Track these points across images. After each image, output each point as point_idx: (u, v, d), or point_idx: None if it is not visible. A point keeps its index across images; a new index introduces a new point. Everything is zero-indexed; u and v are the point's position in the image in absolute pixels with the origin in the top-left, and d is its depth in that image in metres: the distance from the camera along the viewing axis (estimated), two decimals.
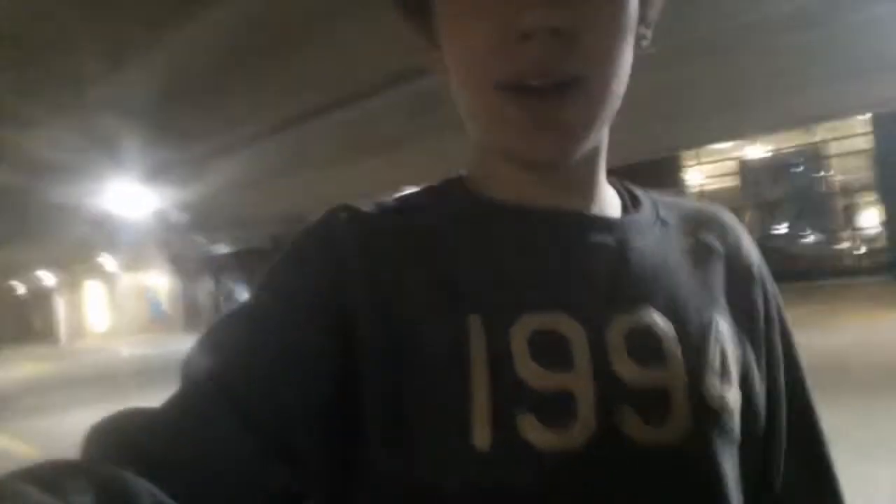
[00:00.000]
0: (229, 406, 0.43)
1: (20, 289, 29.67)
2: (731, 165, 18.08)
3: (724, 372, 0.52)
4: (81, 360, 19.36)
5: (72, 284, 28.81)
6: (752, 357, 0.56)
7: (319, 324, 0.48)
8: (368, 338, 0.48)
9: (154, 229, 12.55)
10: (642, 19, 0.53)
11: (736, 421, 0.52)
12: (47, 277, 25.39)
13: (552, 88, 0.47)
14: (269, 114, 7.18)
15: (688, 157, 17.73)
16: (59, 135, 6.43)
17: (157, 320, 26.10)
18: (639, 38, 0.53)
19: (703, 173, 18.50)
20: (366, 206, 0.56)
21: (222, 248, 20.91)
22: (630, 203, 0.60)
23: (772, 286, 0.61)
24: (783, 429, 0.57)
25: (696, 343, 0.52)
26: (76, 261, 21.78)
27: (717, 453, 0.50)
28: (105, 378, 13.31)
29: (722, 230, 0.61)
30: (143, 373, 12.49)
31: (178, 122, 6.82)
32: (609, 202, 0.58)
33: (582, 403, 0.47)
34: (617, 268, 0.53)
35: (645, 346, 0.50)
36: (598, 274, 0.52)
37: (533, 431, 0.46)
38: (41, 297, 30.80)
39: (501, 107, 0.49)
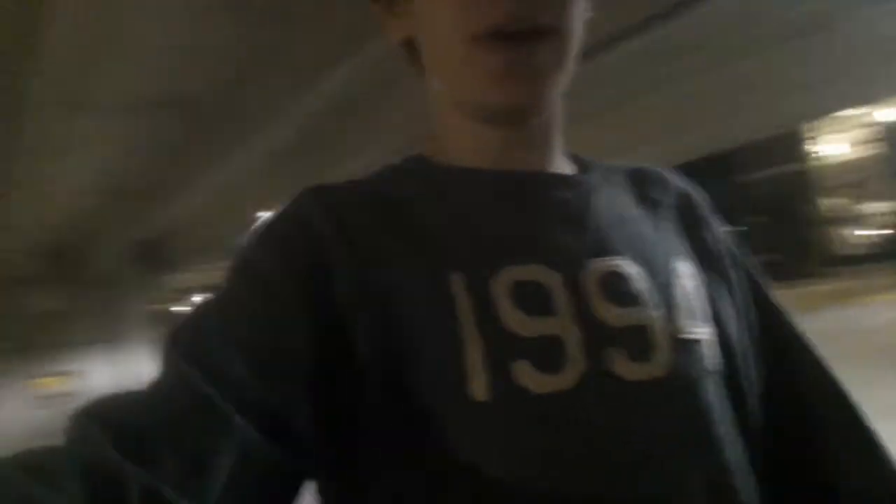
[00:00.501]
0: (217, 389, 0.43)
1: None
2: (874, 132, 16.98)
3: (693, 309, 0.55)
4: None
5: None
6: (718, 294, 0.59)
7: (302, 298, 0.49)
8: (355, 307, 0.49)
9: None
10: None
11: (714, 353, 0.55)
12: None
13: (525, 36, 0.50)
14: None
15: (816, 128, 16.87)
16: None
17: None
18: None
19: (839, 141, 17.49)
20: (337, 184, 0.58)
21: None
22: (580, 168, 0.63)
23: (717, 227, 0.65)
24: (753, 361, 0.60)
25: (663, 284, 0.55)
26: None
27: (701, 384, 0.53)
28: None
29: (664, 183, 0.65)
30: None
31: None
32: (564, 164, 0.61)
33: (570, 345, 0.49)
34: (582, 220, 0.56)
35: (618, 288, 0.53)
36: (565, 226, 0.55)
37: (528, 377, 0.48)
38: None
39: (477, 55, 0.51)
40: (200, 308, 0.51)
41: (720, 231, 0.65)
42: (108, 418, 0.41)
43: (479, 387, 0.47)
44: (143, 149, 6.63)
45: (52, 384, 13.91)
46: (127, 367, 12.16)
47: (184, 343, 0.47)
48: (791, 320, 0.65)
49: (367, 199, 0.56)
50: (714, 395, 0.53)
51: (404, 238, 0.53)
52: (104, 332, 12.85)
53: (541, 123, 0.58)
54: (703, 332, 0.55)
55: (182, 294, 15.48)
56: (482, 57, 0.51)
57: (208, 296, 0.52)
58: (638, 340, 0.51)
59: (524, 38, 0.50)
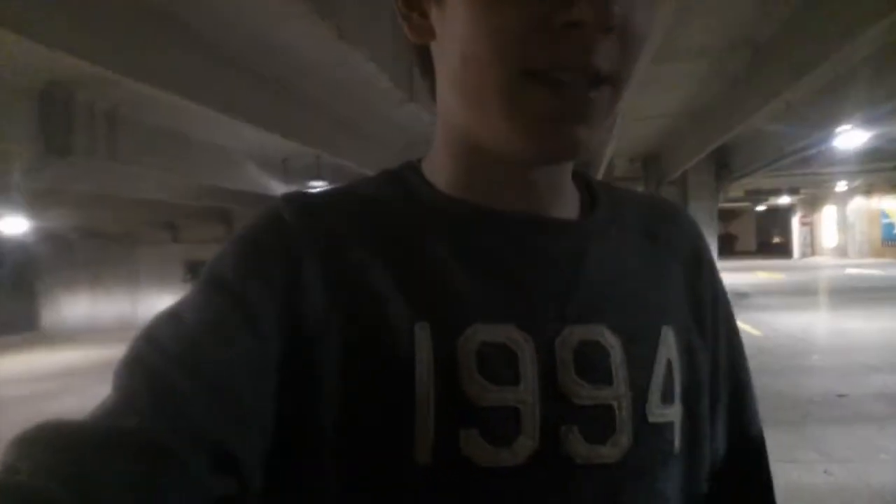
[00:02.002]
0: (169, 422, 0.39)
1: (761, 207, 33.82)
2: None
3: (668, 386, 0.51)
4: (808, 272, 21.18)
5: (808, 204, 30.95)
6: (698, 357, 0.55)
7: (271, 334, 0.45)
8: (324, 347, 0.46)
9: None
10: None
11: (676, 434, 0.51)
12: (783, 199, 28.21)
13: (583, 82, 0.44)
14: None
15: None
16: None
17: (890, 244, 25.49)
18: None
19: None
20: (318, 196, 0.53)
21: None
22: (589, 201, 0.58)
23: (714, 274, 0.61)
24: (722, 429, 0.57)
25: (642, 360, 0.51)
26: (812, 185, 23.58)
27: (656, 469, 0.50)
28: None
29: (674, 223, 0.60)
30: (871, 290, 13.78)
31: None
32: (570, 203, 0.56)
33: (526, 420, 0.46)
34: (573, 276, 0.51)
35: (592, 362, 0.49)
36: (553, 283, 0.51)
37: (473, 448, 0.45)
38: (780, 215, 34.47)
39: (528, 93, 0.44)
40: (165, 322, 0.45)
41: (716, 287, 0.60)
42: (56, 445, 0.36)
43: (423, 449, 0.44)
44: (713, 84, 7.98)
45: None
46: None
47: (141, 362, 0.42)
48: (751, 406, 0.61)
49: (351, 223, 0.51)
50: (668, 478, 0.50)
51: (382, 275, 0.48)
52: None
53: (560, 167, 0.53)
54: (670, 412, 0.51)
55: (745, 198, 16.38)
56: (534, 97, 0.44)
57: (175, 304, 0.46)
58: (598, 421, 0.48)
59: (578, 84, 0.44)
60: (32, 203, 9.00)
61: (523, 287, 0.50)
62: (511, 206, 0.53)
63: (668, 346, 0.53)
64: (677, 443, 0.52)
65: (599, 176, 13.41)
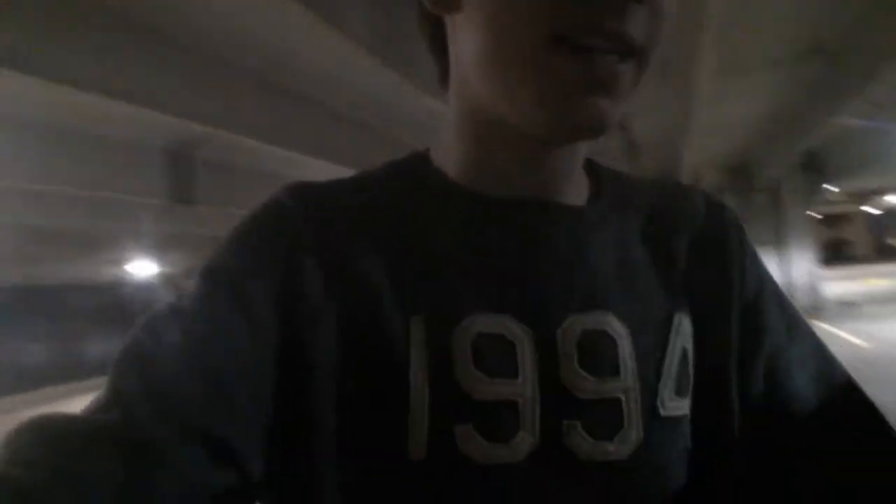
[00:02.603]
0: (164, 407, 0.38)
1: (874, 210, 31.85)
2: None
3: (682, 377, 0.49)
4: None
5: None
6: (717, 346, 0.51)
7: (269, 325, 0.44)
8: (321, 339, 0.45)
9: None
10: None
11: (687, 427, 0.49)
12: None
13: (612, 52, 0.42)
14: None
15: None
16: None
17: None
18: None
19: None
20: (320, 186, 0.52)
21: None
22: (598, 187, 0.55)
23: (752, 263, 0.55)
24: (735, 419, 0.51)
25: (652, 349, 0.48)
26: None
27: (668, 464, 0.47)
28: None
29: (690, 210, 0.56)
30: None
31: None
32: (576, 189, 0.54)
33: (526, 415, 0.45)
34: (576, 263, 0.49)
35: (598, 353, 0.47)
36: (554, 270, 0.49)
37: (471, 444, 0.43)
38: None
39: (556, 62, 0.42)
40: (163, 314, 0.44)
41: (742, 269, 0.54)
42: (52, 439, 0.35)
43: (417, 445, 0.43)
44: (791, 90, 7.95)
45: None
46: (789, 267, 13.71)
47: (138, 355, 0.41)
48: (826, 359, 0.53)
49: (352, 214, 0.50)
50: (680, 473, 0.48)
51: (382, 267, 0.47)
52: (770, 235, 14.57)
53: (576, 148, 0.51)
54: (683, 404, 0.49)
55: (848, 200, 15.61)
56: (565, 67, 0.42)
57: (176, 296, 0.46)
58: (605, 416, 0.46)
59: (606, 53, 0.42)
60: (159, 248, 9.90)
61: (522, 276, 0.48)
62: (520, 193, 0.51)
63: (683, 335, 0.50)
64: (688, 435, 0.49)
65: None
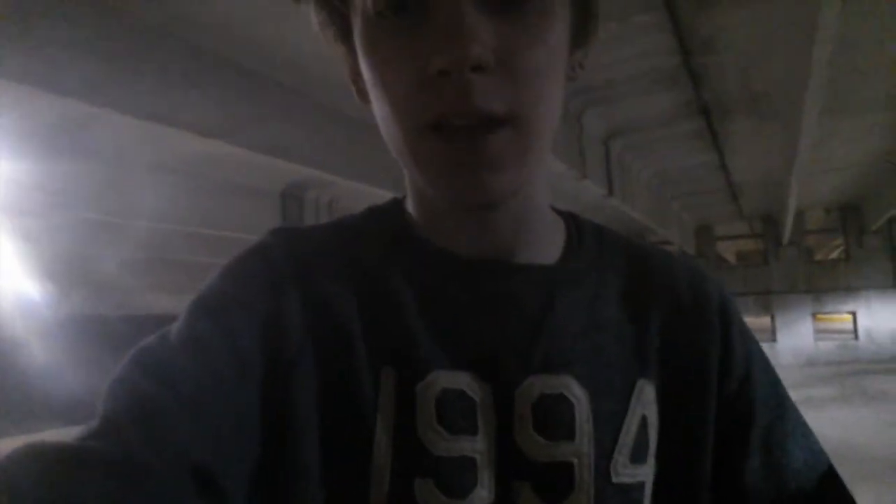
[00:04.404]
0: (153, 436, 0.38)
1: None
2: None
3: (640, 444, 0.49)
4: None
5: None
6: (684, 417, 0.51)
7: (254, 360, 0.45)
8: (302, 376, 0.46)
9: None
10: (576, 44, 0.49)
11: (646, 496, 0.49)
12: None
13: (478, 126, 0.43)
14: None
15: None
16: None
17: None
18: (573, 64, 0.50)
19: None
20: (304, 230, 0.54)
21: None
22: (576, 244, 0.55)
23: (739, 336, 0.54)
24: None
25: (610, 415, 0.49)
26: None
27: None
28: None
29: (670, 278, 0.56)
30: None
31: None
32: (545, 247, 0.54)
33: (483, 472, 0.46)
34: (538, 324, 0.49)
35: (554, 416, 0.47)
36: (515, 330, 0.49)
37: (428, 498, 0.44)
38: None
39: (425, 147, 0.45)
40: (152, 346, 0.45)
41: (726, 344, 0.53)
42: (43, 467, 0.34)
43: (376, 494, 0.44)
44: None
45: (831, 321, 15.76)
46: None
47: (126, 384, 0.41)
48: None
49: (330, 256, 0.51)
50: None
51: (352, 312, 0.48)
52: (880, 278, 13.73)
53: (512, 209, 0.51)
54: (641, 471, 0.49)
55: None
56: (430, 149, 0.45)
57: (165, 329, 0.46)
58: (556, 479, 0.46)
59: (473, 129, 0.43)
60: None
61: (485, 335, 0.49)
62: (475, 251, 0.51)
63: (644, 402, 0.50)
64: (647, 500, 0.49)
65: (787, 228, 12.83)
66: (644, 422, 0.50)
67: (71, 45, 2.85)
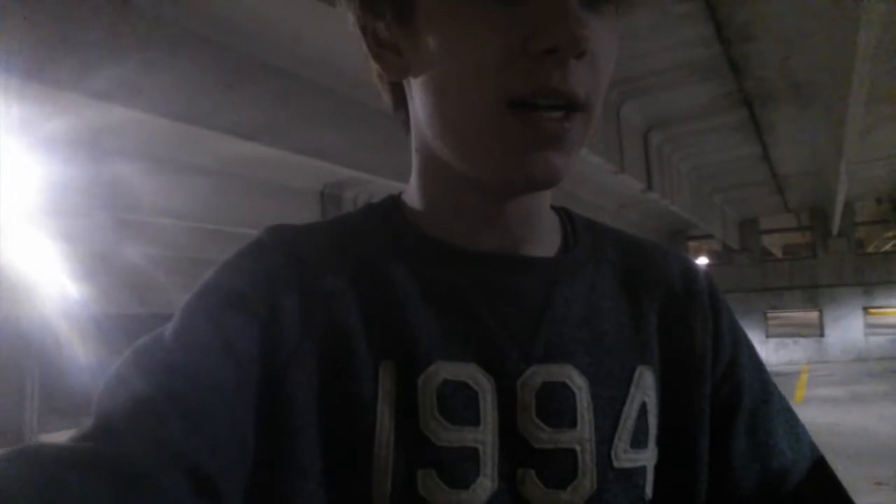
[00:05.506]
0: (149, 438, 0.38)
1: None
2: None
3: (640, 429, 0.50)
4: None
5: None
6: (682, 402, 0.53)
7: (251, 359, 0.45)
8: (300, 374, 0.46)
9: None
10: None
11: (648, 480, 0.50)
12: None
13: (562, 108, 0.44)
14: None
15: None
16: None
17: None
18: None
19: None
20: (301, 228, 0.54)
21: None
22: (572, 237, 0.57)
23: (728, 325, 0.56)
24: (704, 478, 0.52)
25: (610, 401, 0.50)
26: None
27: None
28: None
29: (662, 269, 0.57)
30: None
31: None
32: (547, 239, 0.55)
33: (486, 461, 0.46)
34: (539, 315, 0.50)
35: (556, 404, 0.48)
36: (518, 321, 0.50)
37: (431, 488, 0.45)
38: None
39: (509, 125, 0.45)
40: (148, 346, 0.45)
41: (716, 333, 0.55)
42: (39, 469, 0.34)
43: (380, 487, 0.45)
44: None
45: (883, 315, 15.29)
46: None
47: (123, 384, 0.42)
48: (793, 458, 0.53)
49: (327, 253, 0.51)
50: None
51: (351, 307, 0.49)
52: None
53: (526, 201, 0.52)
54: (642, 456, 0.50)
55: None
56: (515, 128, 0.45)
57: (161, 329, 0.46)
58: (560, 466, 0.47)
59: (553, 110, 0.44)
60: None
61: (488, 326, 0.49)
62: (482, 243, 0.52)
63: (644, 388, 0.51)
64: (649, 489, 0.50)
65: (836, 220, 12.45)
66: (644, 408, 0.51)
67: (110, 52, 2.92)
